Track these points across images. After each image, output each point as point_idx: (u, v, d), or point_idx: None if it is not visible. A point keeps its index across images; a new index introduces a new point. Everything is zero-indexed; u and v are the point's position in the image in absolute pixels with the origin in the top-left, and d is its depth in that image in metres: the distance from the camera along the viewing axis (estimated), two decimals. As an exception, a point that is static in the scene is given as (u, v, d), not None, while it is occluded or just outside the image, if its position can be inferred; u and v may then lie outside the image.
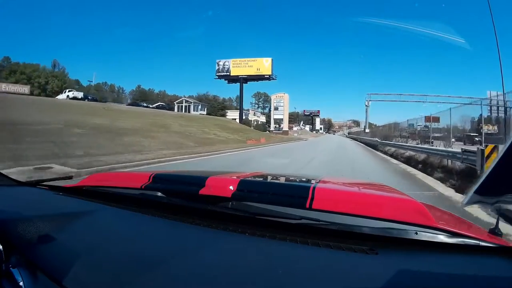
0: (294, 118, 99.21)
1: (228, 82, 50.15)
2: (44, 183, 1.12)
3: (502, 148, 0.52)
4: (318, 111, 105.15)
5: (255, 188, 0.84)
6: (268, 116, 69.30)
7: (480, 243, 0.58)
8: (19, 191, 1.02)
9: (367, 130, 38.09)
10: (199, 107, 50.09)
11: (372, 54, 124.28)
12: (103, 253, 0.61)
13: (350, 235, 0.63)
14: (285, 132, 52.39)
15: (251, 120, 52.53)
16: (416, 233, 0.60)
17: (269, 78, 47.96)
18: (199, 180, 0.88)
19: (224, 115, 50.13)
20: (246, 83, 48.68)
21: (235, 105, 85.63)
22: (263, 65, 47.76)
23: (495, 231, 0.66)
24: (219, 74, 49.02)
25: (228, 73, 48.60)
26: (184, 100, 50.83)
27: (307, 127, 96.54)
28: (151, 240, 0.68)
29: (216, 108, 53.97)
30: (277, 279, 0.50)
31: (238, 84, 47.78)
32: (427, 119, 14.36)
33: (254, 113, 66.09)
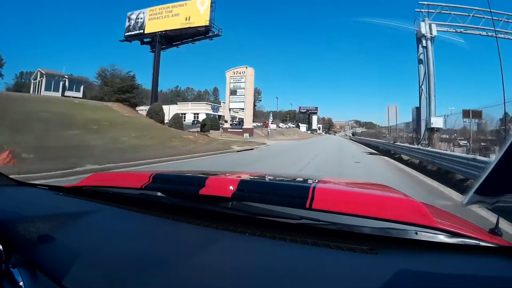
0: (291, 117, 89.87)
1: (151, 50, 28.88)
2: (44, 183, 1.12)
3: (502, 148, 0.52)
4: (316, 108, 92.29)
5: (255, 188, 0.84)
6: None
7: (480, 243, 0.58)
8: (19, 191, 1.02)
9: (439, 124, 12.52)
10: (64, 85, 29.39)
11: (371, 53, 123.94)
12: (103, 253, 0.61)
13: (350, 235, 0.63)
14: (248, 131, 30.84)
15: (180, 115, 29.38)
16: (416, 233, 0.60)
17: (206, 32, 27.58)
18: (199, 180, 0.88)
19: (129, 101, 26.78)
20: (170, 45, 29.12)
21: (213, 99, 68.27)
22: (195, 11, 27.00)
23: (495, 231, 0.66)
24: (129, 33, 29.65)
25: (142, 30, 28.90)
26: (39, 74, 30.07)
27: (303, 127, 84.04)
28: (151, 240, 0.68)
29: (117, 88, 28.18)
30: (277, 279, 0.50)
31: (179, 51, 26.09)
32: (466, 113, 10.24)
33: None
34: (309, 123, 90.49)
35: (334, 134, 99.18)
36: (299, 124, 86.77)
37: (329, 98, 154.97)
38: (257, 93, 72.47)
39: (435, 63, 14.31)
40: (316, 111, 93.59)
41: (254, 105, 66.08)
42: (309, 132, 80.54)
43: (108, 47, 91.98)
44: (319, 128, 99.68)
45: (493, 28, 13.50)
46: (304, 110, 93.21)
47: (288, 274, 0.52)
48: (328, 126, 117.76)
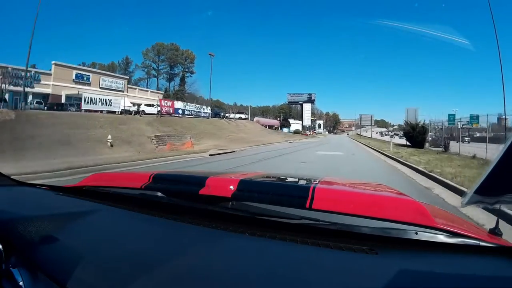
0: (285, 113, 66.13)
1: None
2: (44, 183, 1.12)
3: (502, 148, 0.52)
4: (310, 94, 62.78)
5: (255, 188, 0.84)
6: (177, 95, 36.31)
7: (480, 243, 0.58)
8: (19, 191, 1.02)
9: None
10: None
11: (373, 53, 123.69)
12: (103, 253, 0.61)
13: (350, 235, 0.63)
14: None
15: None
16: (416, 233, 0.60)
17: None
18: (199, 180, 0.88)
19: None
20: None
21: (121, 73, 38.14)
22: None
23: (495, 231, 0.66)
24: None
25: None
26: None
27: (297, 124, 60.09)
28: (151, 240, 0.68)
29: None
30: (277, 279, 0.50)
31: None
32: None
33: (126, 85, 30.42)
34: (302, 117, 63.43)
35: (347, 134, 71.79)
36: (290, 120, 62.27)
37: (334, 97, 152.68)
38: (189, 61, 45.30)
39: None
40: (312, 100, 63.97)
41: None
42: (287, 131, 52.31)
43: None
44: (319, 126, 73.87)
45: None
46: (294, 100, 64.10)
47: (288, 274, 0.52)
48: (334, 124, 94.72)
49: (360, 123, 73.44)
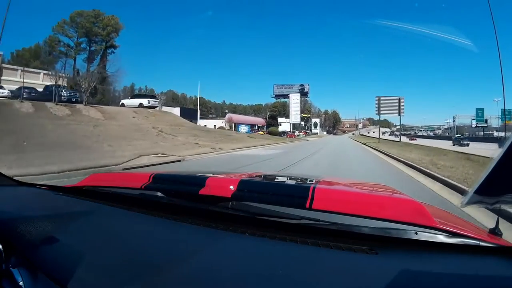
0: (278, 111, 58.06)
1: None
2: (44, 183, 1.12)
3: (502, 148, 0.52)
4: (303, 85, 52.43)
5: (255, 188, 0.84)
6: (91, 78, 18.14)
7: (480, 243, 0.58)
8: (19, 191, 1.02)
9: None
10: None
11: (373, 54, 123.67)
12: (103, 253, 0.61)
13: (350, 235, 0.63)
14: None
15: None
16: (416, 233, 0.60)
17: None
18: (199, 180, 0.88)
19: None
20: None
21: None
22: None
23: (495, 231, 0.66)
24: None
25: None
26: None
27: (285, 123, 51.26)
28: (151, 240, 0.68)
29: None
30: (277, 279, 0.50)
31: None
32: None
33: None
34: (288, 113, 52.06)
35: (352, 134, 61.54)
36: (281, 118, 53.51)
37: (334, 97, 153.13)
38: (111, 29, 33.12)
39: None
40: (304, 92, 52.37)
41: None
42: (246, 130, 39.65)
43: None
44: (315, 125, 63.20)
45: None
46: (282, 92, 52.62)
47: (288, 274, 0.52)
48: (333, 123, 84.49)
49: (379, 112, 41.88)
